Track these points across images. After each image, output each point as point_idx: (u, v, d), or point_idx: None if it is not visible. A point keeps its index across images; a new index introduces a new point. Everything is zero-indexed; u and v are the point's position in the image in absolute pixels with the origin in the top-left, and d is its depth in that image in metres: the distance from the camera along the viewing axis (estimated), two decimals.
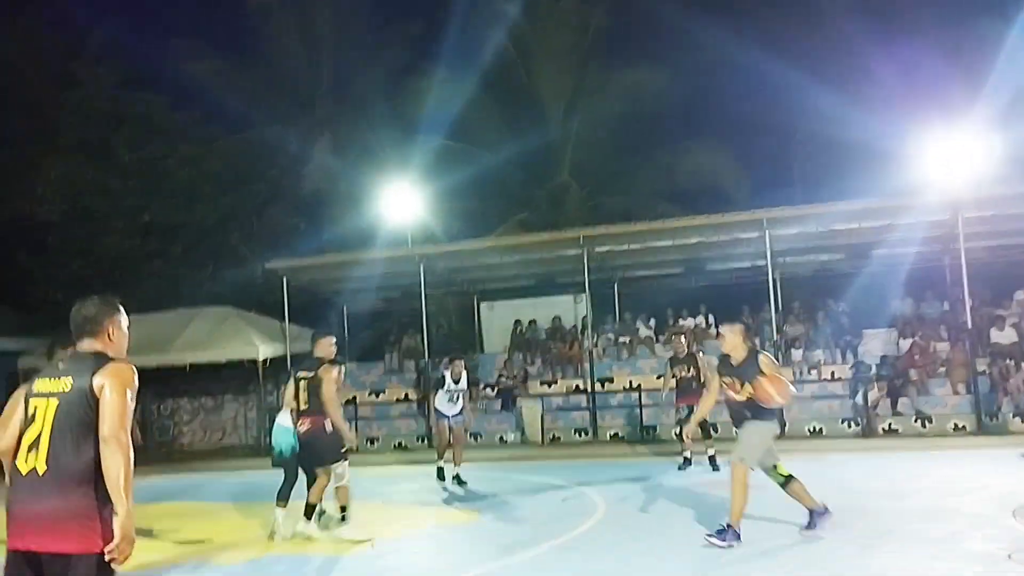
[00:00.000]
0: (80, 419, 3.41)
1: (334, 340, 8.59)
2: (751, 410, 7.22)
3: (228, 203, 22.93)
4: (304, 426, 8.09)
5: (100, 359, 3.57)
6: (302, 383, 8.15)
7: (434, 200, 21.82)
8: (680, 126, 24.11)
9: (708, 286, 20.75)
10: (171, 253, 22.67)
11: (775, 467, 7.37)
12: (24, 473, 3.43)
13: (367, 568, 7.12)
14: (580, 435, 17.68)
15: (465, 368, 12.16)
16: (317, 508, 8.31)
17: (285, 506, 8.43)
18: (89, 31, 25.78)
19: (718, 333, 9.54)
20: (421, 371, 19.48)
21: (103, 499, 3.39)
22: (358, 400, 19.29)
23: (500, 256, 19.58)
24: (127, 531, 3.33)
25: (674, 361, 12.59)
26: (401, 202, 20.09)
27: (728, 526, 7.05)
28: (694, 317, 19.77)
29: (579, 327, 20.11)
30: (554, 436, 17.79)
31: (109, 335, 3.70)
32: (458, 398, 11.82)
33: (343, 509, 8.17)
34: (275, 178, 24.07)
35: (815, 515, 7.35)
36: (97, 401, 3.43)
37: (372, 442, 18.70)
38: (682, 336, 13.38)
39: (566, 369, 19.23)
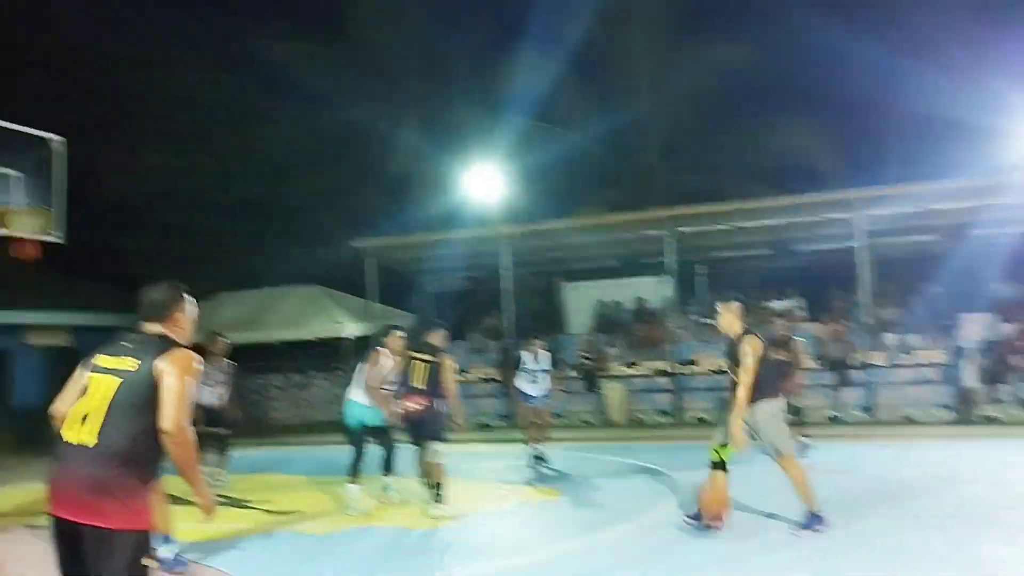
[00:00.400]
0: (138, 400, 3.47)
1: (448, 333, 9.05)
2: (754, 392, 6.93)
3: (318, 183, 23.37)
4: (419, 404, 8.37)
5: (165, 343, 3.65)
6: (423, 365, 8.47)
7: (518, 180, 21.83)
8: (770, 103, 23.52)
9: (797, 267, 20.25)
10: (263, 232, 23.25)
11: (723, 446, 7.02)
12: (72, 443, 3.46)
13: (452, 542, 7.22)
14: (663, 417, 17.56)
15: (546, 349, 12.15)
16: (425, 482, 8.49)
17: (357, 481, 8.66)
18: (186, 15, 26.50)
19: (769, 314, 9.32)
20: (504, 351, 19.58)
21: (146, 479, 3.47)
22: None
23: (584, 236, 19.49)
24: (209, 509, 3.54)
25: (771, 342, 12.30)
26: (485, 182, 20.15)
27: (811, 515, 6.90)
28: (783, 299, 19.36)
29: (663, 308, 19.92)
30: (637, 418, 17.70)
31: (175, 320, 3.79)
32: (539, 379, 11.82)
33: (438, 486, 8.31)
34: (363, 158, 24.41)
35: (697, 519, 7.11)
36: (156, 385, 3.48)
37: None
38: (780, 318, 13.08)
39: (649, 351, 19.08)
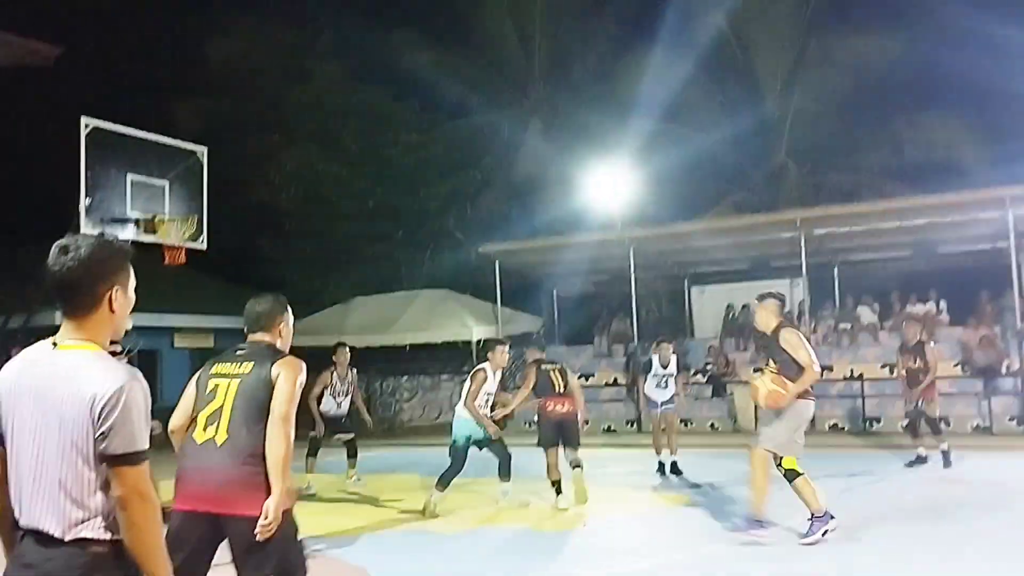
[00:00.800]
0: (257, 400, 3.73)
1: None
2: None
3: (446, 189, 23.82)
4: (564, 406, 9.13)
5: (275, 351, 3.97)
6: (556, 371, 9.36)
7: (645, 182, 21.63)
8: (911, 97, 22.47)
9: (939, 269, 19.26)
10: (393, 237, 23.85)
11: (783, 459, 6.88)
12: (200, 443, 3.75)
13: (577, 545, 7.22)
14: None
15: (675, 352, 11.97)
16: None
17: (444, 490, 8.79)
18: (320, 29, 27.54)
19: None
20: (630, 355, 19.43)
21: (267, 471, 3.68)
22: None
23: (712, 238, 19.11)
24: (277, 510, 3.60)
25: (903, 349, 11.78)
26: (611, 185, 20.04)
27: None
28: (923, 303, 18.47)
29: (795, 312, 19.32)
30: None
31: (279, 331, 4.08)
32: (667, 383, 11.64)
33: (557, 484, 8.85)
34: (489, 164, 24.72)
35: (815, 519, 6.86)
36: (272, 386, 3.75)
37: (582, 425, 18.84)
38: (915, 323, 12.42)
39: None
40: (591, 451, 14.47)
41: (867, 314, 18.88)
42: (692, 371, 18.99)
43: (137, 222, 10.90)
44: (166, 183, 11.31)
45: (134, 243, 11.15)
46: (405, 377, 22.43)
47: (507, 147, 25.08)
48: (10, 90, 20.17)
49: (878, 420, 16.27)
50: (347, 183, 23.04)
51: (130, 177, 10.89)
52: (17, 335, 11.89)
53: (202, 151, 12.01)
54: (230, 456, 3.66)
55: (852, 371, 17.28)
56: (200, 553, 3.72)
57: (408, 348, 20.42)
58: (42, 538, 2.31)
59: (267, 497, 3.61)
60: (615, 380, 19.49)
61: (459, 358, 20.90)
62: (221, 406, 3.75)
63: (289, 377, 3.77)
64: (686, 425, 17.81)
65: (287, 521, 3.72)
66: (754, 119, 23.31)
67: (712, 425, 17.68)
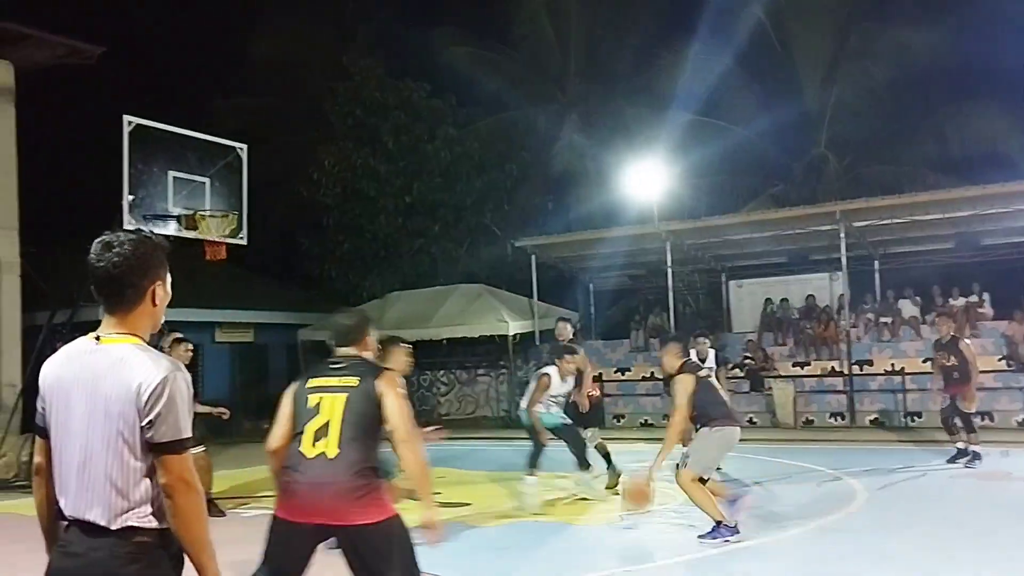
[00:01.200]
0: (367, 414, 3.84)
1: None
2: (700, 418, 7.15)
3: (483, 183, 23.84)
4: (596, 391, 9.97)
5: (372, 364, 4.14)
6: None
7: (682, 176, 21.51)
8: (954, 88, 22.05)
9: (983, 262, 18.92)
10: (430, 232, 23.94)
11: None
12: (311, 457, 3.80)
13: (616, 538, 7.23)
14: (836, 419, 16.87)
15: (712, 347, 11.89)
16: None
17: (534, 473, 8.86)
18: (357, 25, 27.72)
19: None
20: None
21: (379, 478, 3.87)
22: (603, 377, 19.49)
23: (750, 232, 18.97)
24: (430, 518, 3.90)
25: (936, 346, 11.54)
26: (648, 179, 19.96)
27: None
28: (966, 296, 18.17)
29: (835, 306, 19.12)
30: (807, 419, 17.09)
31: (366, 344, 4.24)
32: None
33: (608, 456, 9.72)
34: (526, 158, 24.71)
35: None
36: (379, 401, 3.86)
37: (618, 419, 18.86)
38: (947, 318, 12.12)
39: (820, 350, 18.35)
40: (628, 445, 14.46)
41: (908, 308, 18.63)
42: (730, 365, 18.86)
43: (179, 218, 11.09)
44: (207, 180, 11.49)
45: (176, 239, 11.36)
46: (442, 371, 22.54)
47: (544, 142, 25.06)
48: (54, 89, 20.55)
49: (919, 415, 16.06)
50: (385, 179, 23.15)
51: (172, 174, 11.09)
52: (62, 330, 12.11)
53: (242, 148, 12.18)
54: (344, 469, 3.76)
55: (893, 365, 17.06)
56: (303, 560, 3.89)
57: (445, 342, 20.50)
58: (88, 527, 2.36)
59: (381, 504, 3.80)
60: (652, 374, 19.40)
61: (495, 352, 20.96)
62: (329, 420, 3.84)
63: (398, 394, 3.92)
64: None
65: (404, 528, 3.91)
66: (793, 111, 23.04)
67: (751, 420, 17.55)
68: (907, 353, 17.23)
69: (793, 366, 18.17)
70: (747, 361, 18.48)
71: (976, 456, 10.72)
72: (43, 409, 2.49)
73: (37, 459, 2.54)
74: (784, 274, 20.84)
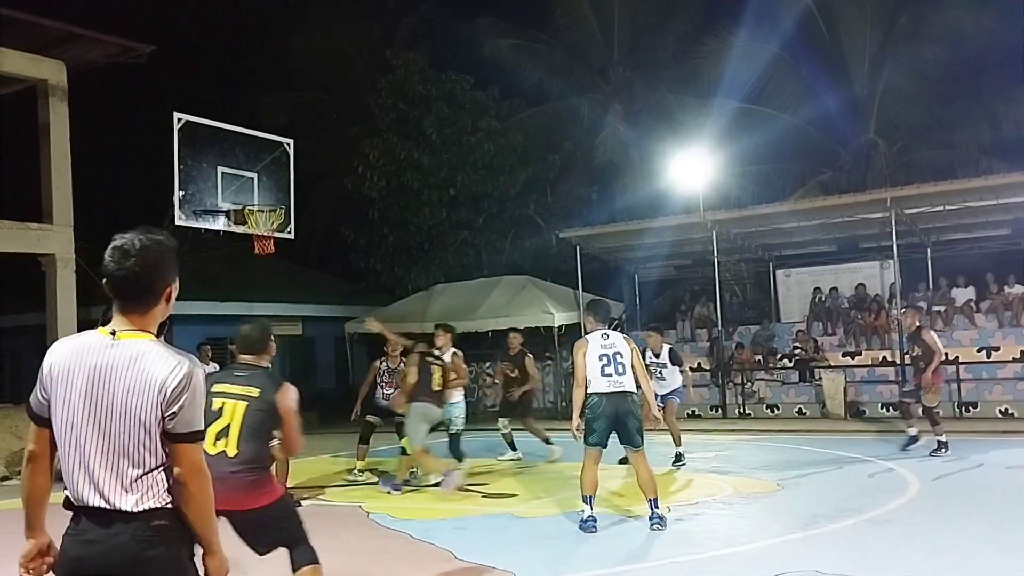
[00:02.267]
0: (264, 421, 4.43)
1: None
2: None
3: (527, 175, 23.81)
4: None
5: (271, 375, 4.63)
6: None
7: (728, 164, 21.26)
8: (1007, 71, 21.47)
9: None
10: (475, 224, 23.98)
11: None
12: (213, 454, 4.31)
13: (664, 531, 7.17)
14: (887, 410, 16.58)
15: (667, 343, 11.71)
16: None
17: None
18: (400, 19, 27.85)
19: None
20: (714, 340, 19.20)
21: (268, 471, 4.51)
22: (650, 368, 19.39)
23: (798, 220, 18.69)
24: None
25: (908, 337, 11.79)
26: (693, 168, 19.77)
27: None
28: (1022, 284, 17.75)
29: (886, 295, 18.78)
30: (858, 409, 16.83)
31: (268, 352, 4.75)
32: (662, 374, 11.15)
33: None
34: (569, 149, 24.61)
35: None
36: (276, 410, 4.44)
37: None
38: (914, 311, 12.31)
39: (871, 340, 18.06)
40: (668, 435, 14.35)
41: (962, 296, 18.25)
42: (778, 355, 18.67)
43: (228, 213, 11.27)
44: (255, 175, 11.65)
45: (225, 234, 11.55)
46: (488, 363, 22.58)
47: (587, 132, 24.94)
48: (105, 87, 20.95)
49: (974, 405, 15.75)
50: (429, 171, 23.23)
51: (220, 169, 11.26)
52: (97, 325, 12.34)
53: (289, 143, 12.32)
54: (241, 465, 4.31)
55: (946, 355, 16.68)
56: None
57: (490, 334, 20.53)
58: (104, 514, 2.44)
59: (269, 491, 4.40)
60: (699, 365, 19.24)
61: (541, 344, 20.92)
62: (230, 424, 4.36)
63: (291, 404, 4.43)
64: (773, 411, 17.58)
65: (288, 504, 4.57)
66: (841, 96, 22.64)
67: (800, 411, 17.35)
68: (961, 342, 16.88)
69: (843, 356, 17.90)
70: (796, 351, 18.26)
71: (944, 446, 10.76)
72: (44, 399, 2.55)
73: (32, 447, 2.58)
74: (833, 263, 20.53)
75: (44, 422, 2.55)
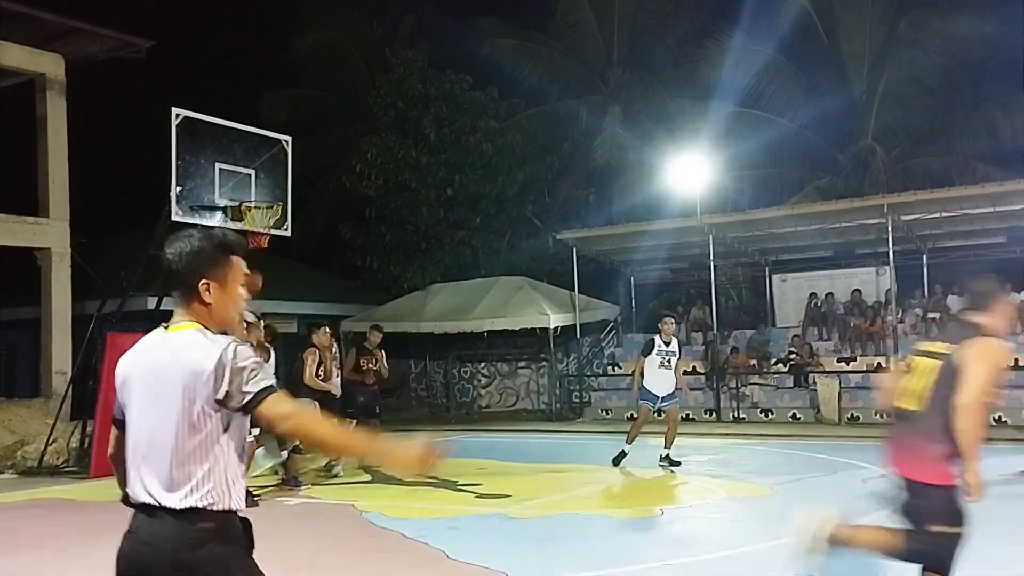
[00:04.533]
0: (949, 381, 4.04)
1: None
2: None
3: (524, 176, 23.76)
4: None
5: (974, 331, 4.11)
6: None
7: (725, 168, 21.27)
8: (1006, 79, 21.50)
9: None
10: (472, 224, 23.95)
11: None
12: (906, 409, 4.20)
13: (656, 534, 7.19)
14: (882, 416, 16.59)
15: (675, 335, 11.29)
16: None
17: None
18: (400, 17, 27.83)
19: None
20: (709, 344, 19.21)
21: (952, 446, 4.03)
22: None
23: (795, 225, 18.73)
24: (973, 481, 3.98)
25: None
26: (691, 171, 19.77)
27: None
28: (1018, 292, 17.78)
29: (882, 301, 18.82)
30: (852, 415, 16.85)
31: (995, 311, 4.19)
32: (670, 362, 10.89)
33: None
34: (567, 150, 24.59)
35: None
36: (960, 369, 4.02)
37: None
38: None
39: (866, 345, 18.09)
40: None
41: (957, 303, 18.26)
42: (773, 360, 18.69)
43: (225, 209, 11.25)
44: (252, 172, 11.63)
45: (221, 229, 11.53)
46: (483, 363, 22.60)
47: (586, 134, 24.93)
48: (104, 81, 20.91)
49: None
50: (427, 171, 23.20)
51: (218, 166, 11.24)
52: (111, 319, 12.34)
53: (287, 140, 12.31)
54: (922, 427, 4.07)
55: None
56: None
57: (486, 335, 20.55)
58: (151, 510, 2.47)
59: (940, 469, 4.04)
60: (694, 368, 19.26)
61: (536, 345, 20.96)
62: (921, 381, 4.12)
63: (977, 359, 4.01)
64: (767, 416, 17.60)
65: (949, 492, 4.09)
66: (840, 102, 22.63)
67: (794, 415, 17.37)
68: None
69: (838, 361, 17.92)
70: (791, 356, 18.28)
71: None
72: (119, 402, 2.65)
73: (110, 450, 2.72)
74: (829, 268, 20.56)
75: (120, 424, 2.66)
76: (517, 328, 20.03)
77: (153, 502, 2.47)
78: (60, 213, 15.84)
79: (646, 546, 6.80)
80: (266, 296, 21.09)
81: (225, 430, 2.51)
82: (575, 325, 20.13)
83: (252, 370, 2.48)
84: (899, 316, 17.72)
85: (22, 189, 16.46)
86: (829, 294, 19.64)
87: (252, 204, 11.41)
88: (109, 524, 8.35)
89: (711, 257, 18.72)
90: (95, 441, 11.40)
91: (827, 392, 16.99)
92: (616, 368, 20.23)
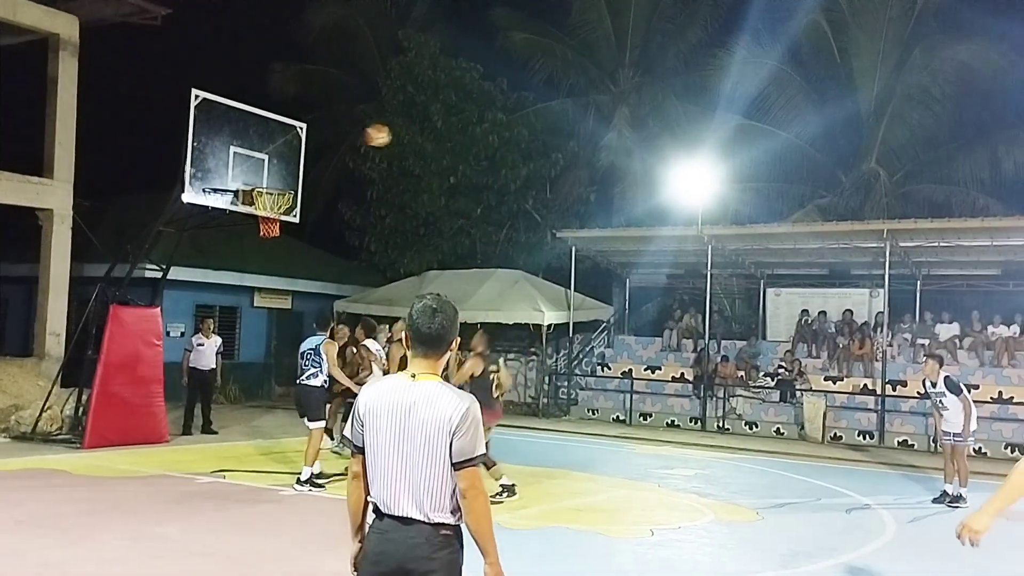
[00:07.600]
0: None
1: None
2: None
3: (528, 170, 23.78)
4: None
5: None
6: None
7: (728, 179, 21.36)
8: (1012, 112, 21.69)
9: None
10: (472, 214, 23.98)
11: None
12: None
13: (644, 556, 7.31)
14: (864, 437, 16.84)
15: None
16: None
17: None
18: (416, 0, 27.69)
19: None
20: (699, 352, 19.38)
21: None
22: (634, 374, 19.57)
23: (794, 242, 18.89)
24: None
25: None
26: (693, 180, 19.84)
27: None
28: (1007, 324, 18.02)
29: (872, 323, 19.01)
30: (836, 435, 17.07)
31: None
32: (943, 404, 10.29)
33: None
34: (573, 148, 24.60)
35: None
36: None
37: (645, 417, 18.93)
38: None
39: (854, 366, 18.30)
40: (656, 447, 14.52)
41: (946, 331, 18.50)
42: (761, 373, 18.87)
43: (236, 193, 11.26)
44: (265, 157, 11.64)
45: (231, 213, 11.54)
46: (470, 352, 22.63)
47: (592, 133, 24.95)
48: (117, 46, 20.76)
49: None
50: (431, 158, 23.20)
51: (232, 149, 11.24)
52: (119, 284, 12.35)
53: (302, 127, 12.31)
54: None
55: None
56: None
57: (479, 327, 20.56)
58: (405, 520, 3.07)
59: None
60: (682, 375, 19.45)
61: (527, 338, 21.01)
62: None
63: None
64: (751, 429, 17.79)
65: None
66: (846, 121, 22.72)
67: (778, 430, 17.58)
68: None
69: (825, 380, 18.12)
70: (780, 370, 18.45)
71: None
72: (360, 430, 3.19)
73: (355, 468, 3.25)
74: (824, 286, 20.74)
75: (360, 449, 3.20)
76: (511, 322, 20.10)
77: (406, 514, 3.05)
78: (64, 175, 15.77)
79: (636, 569, 6.92)
80: (261, 271, 21.30)
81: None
82: (569, 323, 20.28)
83: (478, 433, 3.07)
84: (888, 339, 17.92)
85: (28, 148, 16.39)
86: (822, 312, 19.81)
87: (263, 190, 11.42)
88: (109, 503, 8.39)
89: (708, 266, 18.86)
90: (91, 412, 11.45)
91: (812, 410, 17.19)
92: (606, 368, 20.40)
